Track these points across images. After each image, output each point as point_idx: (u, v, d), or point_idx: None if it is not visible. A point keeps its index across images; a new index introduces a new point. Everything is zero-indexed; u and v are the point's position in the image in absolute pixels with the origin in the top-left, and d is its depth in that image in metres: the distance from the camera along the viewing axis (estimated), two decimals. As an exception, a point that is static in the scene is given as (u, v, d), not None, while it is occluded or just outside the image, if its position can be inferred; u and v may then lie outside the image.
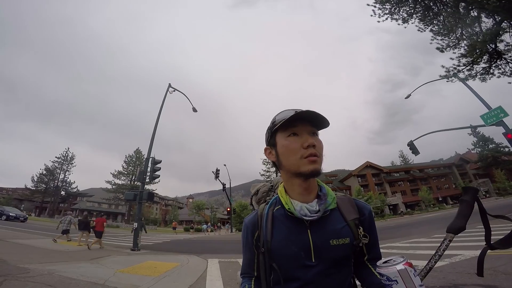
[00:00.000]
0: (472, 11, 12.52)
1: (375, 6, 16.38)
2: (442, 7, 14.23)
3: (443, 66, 14.67)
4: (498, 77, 13.20)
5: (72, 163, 58.45)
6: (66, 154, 57.93)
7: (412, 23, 15.69)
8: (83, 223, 11.79)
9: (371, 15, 16.75)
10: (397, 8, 15.84)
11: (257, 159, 58.74)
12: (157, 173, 13.13)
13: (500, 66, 12.97)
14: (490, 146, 51.23)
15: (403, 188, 57.69)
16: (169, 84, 15.99)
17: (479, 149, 52.95)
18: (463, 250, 6.15)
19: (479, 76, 13.77)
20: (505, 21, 11.52)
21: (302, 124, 0.85)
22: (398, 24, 15.95)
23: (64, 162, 57.24)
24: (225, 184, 33.85)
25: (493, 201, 33.33)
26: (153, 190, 42.28)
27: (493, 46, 12.18)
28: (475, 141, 53.46)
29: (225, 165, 37.03)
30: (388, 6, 15.99)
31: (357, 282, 0.95)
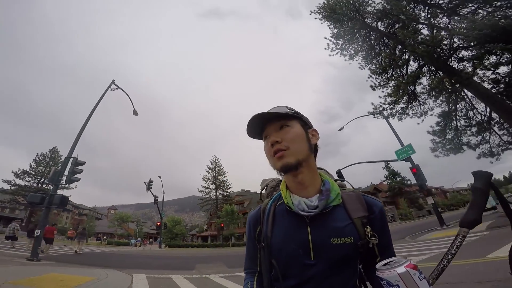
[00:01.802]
0: (404, 54, 15.12)
1: (330, 40, 18.37)
2: (383, 47, 16.84)
3: (372, 104, 17.11)
4: (411, 117, 15.89)
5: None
6: None
7: (356, 60, 17.83)
8: (31, 231, 12.16)
9: (325, 48, 18.71)
10: (348, 45, 18.09)
11: (197, 174, 56.80)
12: (77, 175, 11.19)
13: (414, 107, 15.70)
14: (398, 179, 61.81)
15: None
16: (113, 80, 14.34)
17: (389, 181, 63.38)
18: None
19: (398, 115, 16.41)
20: (426, 65, 14.20)
21: (269, 124, 0.85)
22: (345, 60, 18.12)
23: None
24: (157, 197, 31.30)
25: (397, 225, 39.22)
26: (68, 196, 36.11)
27: (412, 88, 14.77)
28: (386, 174, 63.73)
29: (159, 177, 34.28)
30: (341, 41, 18.10)
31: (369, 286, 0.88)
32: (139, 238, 45.93)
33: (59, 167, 11.09)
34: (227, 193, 54.01)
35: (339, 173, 19.66)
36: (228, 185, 53.75)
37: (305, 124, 0.90)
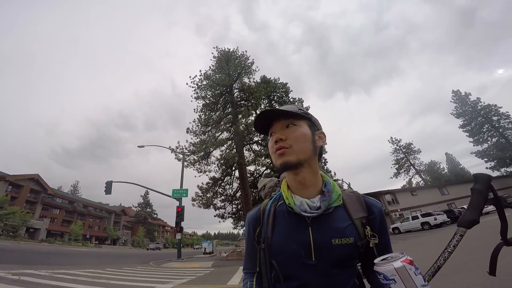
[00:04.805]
0: (227, 124, 19.65)
1: (201, 75, 20.14)
2: (221, 109, 20.67)
3: (178, 142, 19.97)
4: (195, 169, 20.26)
5: None
6: None
7: (197, 102, 20.38)
8: None
9: (190, 76, 20.06)
10: (207, 88, 20.30)
11: None
12: None
13: (201, 164, 19.97)
14: (147, 209, 65.96)
15: (56, 216, 52.17)
16: None
17: (139, 208, 66.24)
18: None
19: (188, 162, 20.05)
20: (232, 140, 18.97)
21: (277, 121, 0.86)
22: (191, 95, 20.22)
23: None
24: None
25: (128, 249, 39.78)
26: None
27: (212, 150, 19.04)
28: (140, 202, 66.96)
29: None
30: (205, 82, 20.12)
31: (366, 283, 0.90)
32: None
33: None
34: None
35: (110, 183, 18.88)
36: None
37: (313, 125, 0.90)
